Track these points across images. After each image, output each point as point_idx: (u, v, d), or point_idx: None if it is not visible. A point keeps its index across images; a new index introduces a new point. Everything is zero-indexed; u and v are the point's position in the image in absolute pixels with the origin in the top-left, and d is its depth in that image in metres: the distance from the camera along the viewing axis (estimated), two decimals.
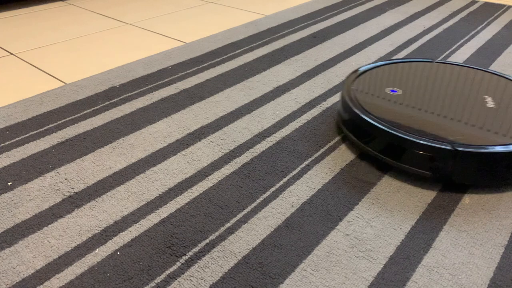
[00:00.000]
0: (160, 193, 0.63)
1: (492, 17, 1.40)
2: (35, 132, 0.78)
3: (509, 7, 1.52)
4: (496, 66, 1.04)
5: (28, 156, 0.71)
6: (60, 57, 1.11)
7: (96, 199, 0.62)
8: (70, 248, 0.54)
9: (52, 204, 0.61)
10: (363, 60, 1.08)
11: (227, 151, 0.72)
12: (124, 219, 0.58)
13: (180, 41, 1.22)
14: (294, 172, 0.67)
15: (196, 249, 0.54)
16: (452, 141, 0.61)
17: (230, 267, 0.51)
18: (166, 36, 1.26)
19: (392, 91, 0.73)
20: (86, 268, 0.51)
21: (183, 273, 0.51)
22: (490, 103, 0.70)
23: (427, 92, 0.74)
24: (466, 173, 0.61)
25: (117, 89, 0.93)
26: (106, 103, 0.88)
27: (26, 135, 0.77)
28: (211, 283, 0.49)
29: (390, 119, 0.66)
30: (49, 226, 0.57)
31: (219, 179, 0.66)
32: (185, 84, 0.95)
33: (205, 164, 0.69)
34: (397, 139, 0.63)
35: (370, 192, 0.63)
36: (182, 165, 0.69)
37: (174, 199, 0.62)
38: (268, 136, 0.76)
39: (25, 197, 0.62)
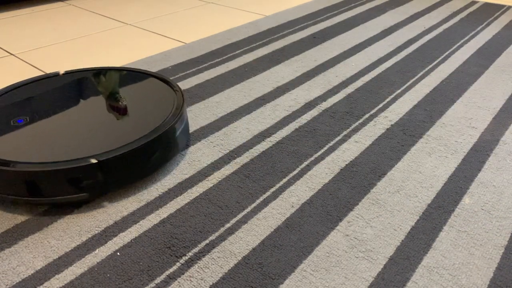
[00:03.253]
0: (160, 193, 0.63)
1: (492, 18, 1.40)
2: None
3: (509, 7, 1.52)
4: (496, 66, 1.04)
5: None
6: (60, 58, 1.11)
7: (96, 199, 0.62)
8: (70, 249, 0.54)
9: None
10: (363, 60, 1.08)
11: (227, 151, 0.72)
12: (124, 219, 0.58)
13: (180, 41, 1.22)
14: (294, 172, 0.67)
15: (196, 250, 0.54)
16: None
17: (230, 268, 0.51)
18: (166, 36, 1.26)
19: (19, 121, 0.63)
20: (86, 269, 0.51)
21: (183, 274, 0.51)
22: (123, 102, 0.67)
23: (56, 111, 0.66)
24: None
25: None
26: None
27: None
28: (211, 284, 0.49)
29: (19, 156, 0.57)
30: (49, 226, 0.57)
31: (219, 179, 0.66)
32: (185, 85, 0.95)
33: (205, 165, 0.69)
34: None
35: (370, 192, 0.63)
36: (182, 166, 0.69)
37: (174, 200, 0.62)
38: (268, 137, 0.76)
39: None
